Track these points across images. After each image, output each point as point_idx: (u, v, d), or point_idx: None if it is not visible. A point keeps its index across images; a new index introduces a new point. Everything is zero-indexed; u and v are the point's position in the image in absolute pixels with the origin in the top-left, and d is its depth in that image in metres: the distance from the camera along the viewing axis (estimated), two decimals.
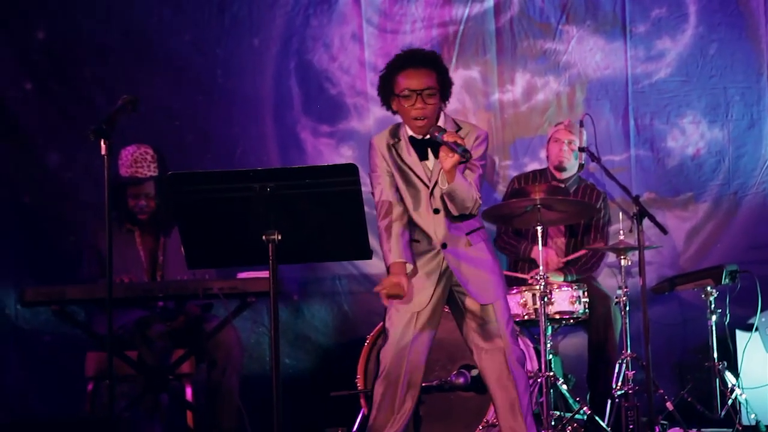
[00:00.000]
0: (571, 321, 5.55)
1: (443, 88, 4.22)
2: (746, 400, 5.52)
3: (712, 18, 6.28)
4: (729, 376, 5.54)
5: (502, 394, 4.19)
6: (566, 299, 5.44)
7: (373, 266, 6.30)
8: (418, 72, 4.17)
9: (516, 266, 5.92)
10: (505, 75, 6.47)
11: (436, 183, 4.18)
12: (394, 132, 4.29)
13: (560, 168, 5.88)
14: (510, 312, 4.29)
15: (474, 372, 5.07)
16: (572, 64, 6.41)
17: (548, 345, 5.19)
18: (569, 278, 5.69)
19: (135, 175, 5.12)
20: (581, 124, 5.77)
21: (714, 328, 5.54)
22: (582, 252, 5.78)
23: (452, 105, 6.43)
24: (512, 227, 5.86)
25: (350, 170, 3.64)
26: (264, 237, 3.59)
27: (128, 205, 5.17)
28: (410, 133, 4.22)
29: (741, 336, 5.80)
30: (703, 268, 5.83)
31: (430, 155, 4.22)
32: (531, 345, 5.41)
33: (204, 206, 3.62)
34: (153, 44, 6.45)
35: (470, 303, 4.23)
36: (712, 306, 5.55)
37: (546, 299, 5.14)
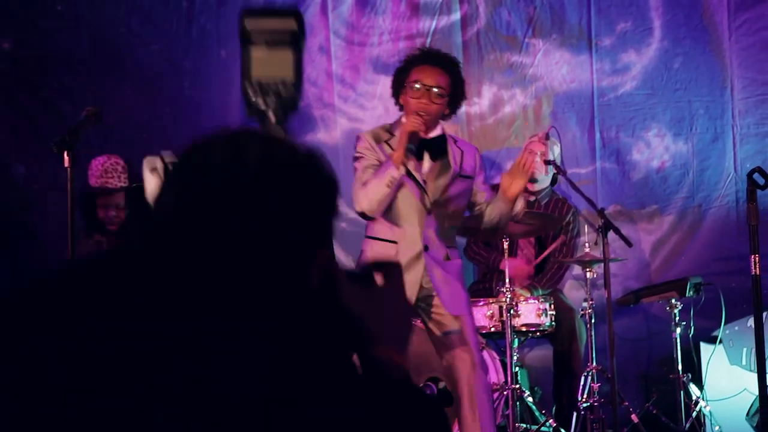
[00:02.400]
0: (538, 333, 5.57)
1: (453, 97, 4.21)
2: (710, 412, 5.56)
3: (676, 32, 6.33)
4: (693, 388, 5.57)
5: (467, 397, 4.20)
6: (533, 312, 5.46)
7: None
8: (434, 70, 4.17)
9: (485, 277, 5.93)
10: (472, 87, 6.48)
11: (444, 189, 4.22)
12: (388, 128, 4.28)
13: (531, 179, 5.86)
14: (475, 327, 4.37)
15: (441, 385, 5.07)
16: (538, 77, 6.45)
17: (515, 357, 5.21)
18: (536, 293, 5.71)
19: (105, 186, 5.10)
20: (547, 137, 5.80)
21: (678, 340, 5.57)
22: (552, 247, 5.78)
23: None
24: (481, 239, 5.88)
25: None
26: None
27: (98, 215, 5.14)
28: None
29: (705, 348, 5.84)
30: (668, 280, 5.87)
31: (425, 156, 4.24)
32: (497, 357, 5.42)
33: None
34: (122, 55, 6.43)
35: (437, 314, 4.24)
36: (677, 318, 5.58)
37: (512, 312, 5.16)
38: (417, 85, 4.13)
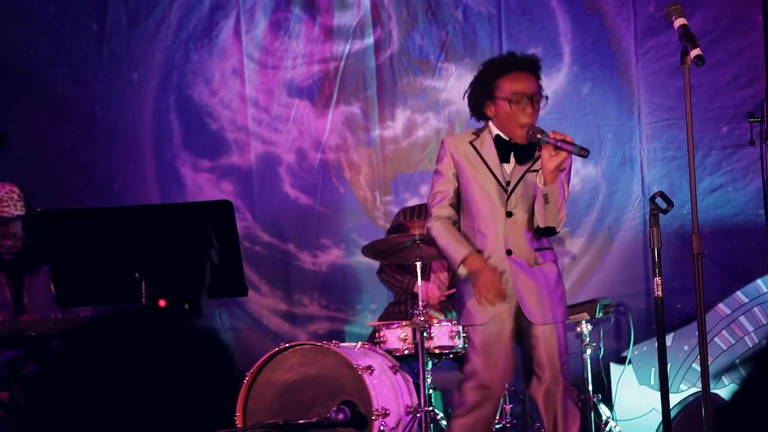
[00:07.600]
0: (451, 356, 5.59)
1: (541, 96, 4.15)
2: (620, 431, 5.64)
3: (585, 57, 6.44)
4: (603, 409, 5.64)
5: (546, 417, 4.19)
6: (446, 334, 5.48)
7: (254, 302, 6.27)
8: (527, 76, 4.11)
9: (400, 299, 5.95)
10: (386, 111, 6.53)
11: (515, 186, 4.11)
12: (476, 132, 4.21)
13: None
14: (566, 341, 4.24)
15: (355, 409, 5.06)
16: (451, 101, 6.50)
17: (428, 380, 5.22)
18: (449, 315, 5.74)
19: (1, 215, 5.01)
20: None
21: (589, 361, 5.63)
22: None
23: (333, 140, 6.51)
24: (394, 262, 5.90)
25: (225, 207, 3.63)
26: (137, 274, 3.55)
27: None
28: (497, 132, 4.14)
29: (615, 369, 5.93)
30: (578, 302, 5.94)
31: (512, 159, 4.15)
32: (411, 380, 5.43)
33: (74, 244, 3.56)
34: (30, 76, 6.34)
35: (523, 324, 4.18)
36: (587, 339, 5.65)
37: (426, 334, 5.17)
38: (516, 97, 4.04)
